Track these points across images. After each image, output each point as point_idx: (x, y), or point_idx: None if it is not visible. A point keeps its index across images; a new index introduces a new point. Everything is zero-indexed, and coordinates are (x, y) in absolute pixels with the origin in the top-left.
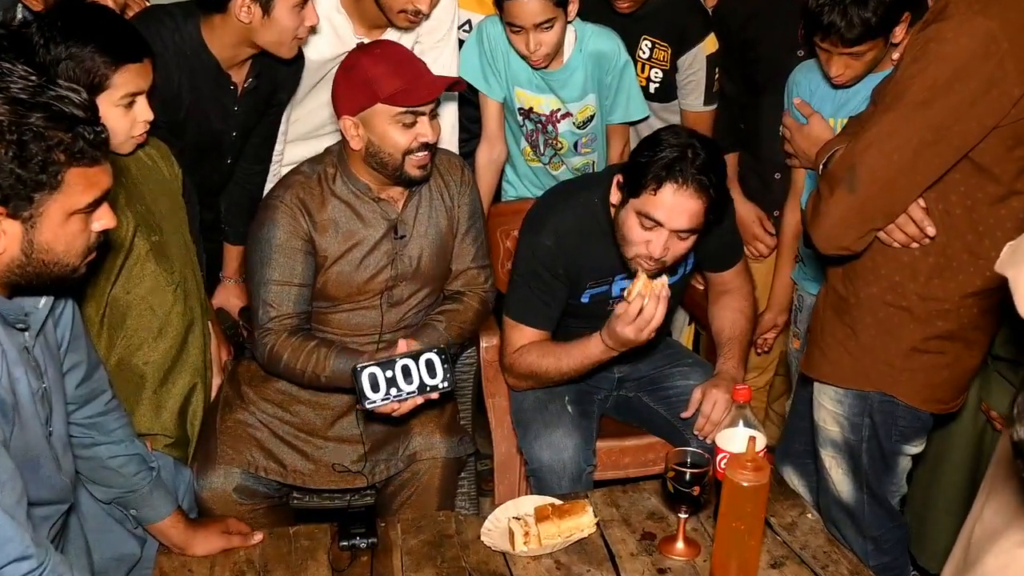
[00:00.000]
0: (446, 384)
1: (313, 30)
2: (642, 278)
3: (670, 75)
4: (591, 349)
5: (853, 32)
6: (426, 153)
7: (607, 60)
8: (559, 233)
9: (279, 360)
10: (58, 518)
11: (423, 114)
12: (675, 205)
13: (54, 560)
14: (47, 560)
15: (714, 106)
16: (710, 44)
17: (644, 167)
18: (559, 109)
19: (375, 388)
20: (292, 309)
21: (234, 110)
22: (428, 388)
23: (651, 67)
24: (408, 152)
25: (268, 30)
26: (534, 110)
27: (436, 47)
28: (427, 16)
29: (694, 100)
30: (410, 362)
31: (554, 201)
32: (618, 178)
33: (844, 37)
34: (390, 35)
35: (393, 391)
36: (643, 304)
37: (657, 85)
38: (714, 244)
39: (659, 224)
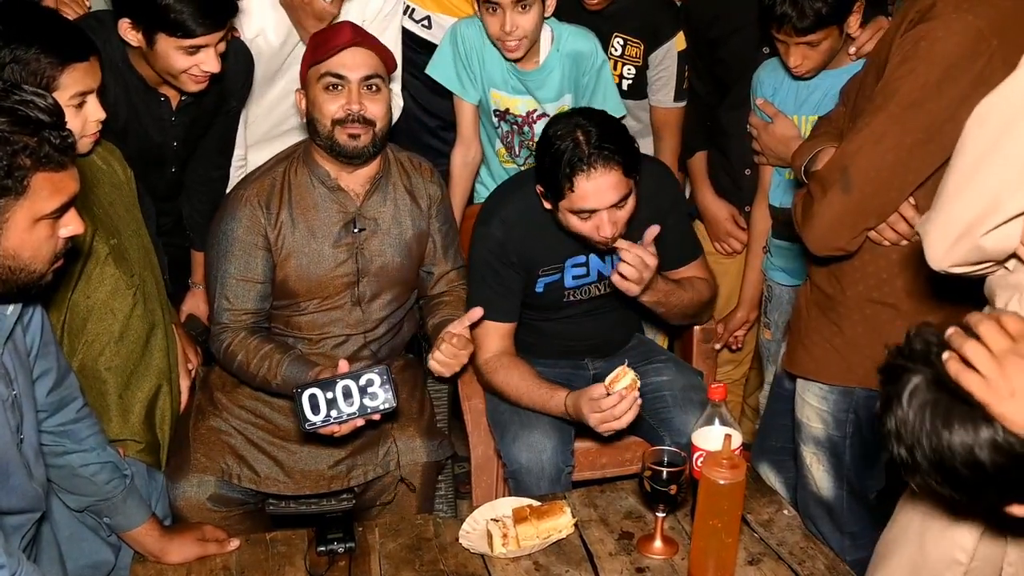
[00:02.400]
0: (387, 405)
1: (220, 76)
2: (629, 375)
3: (643, 72)
4: (551, 405)
5: (805, 21)
6: (359, 125)
7: (585, 60)
8: (506, 222)
9: (233, 359)
10: (30, 527)
11: (343, 77)
12: (596, 189)
13: (26, 569)
14: (19, 570)
15: (684, 102)
16: (680, 41)
17: (551, 172)
18: (535, 110)
19: (315, 410)
20: (249, 305)
21: (172, 122)
22: (369, 409)
23: (624, 64)
24: (337, 122)
25: (156, 61)
26: (510, 111)
27: (376, 29)
28: None
29: (664, 96)
30: (350, 383)
31: (501, 193)
32: (539, 189)
33: (796, 27)
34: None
35: (333, 412)
36: (619, 400)
37: (630, 82)
38: (665, 244)
39: (594, 211)
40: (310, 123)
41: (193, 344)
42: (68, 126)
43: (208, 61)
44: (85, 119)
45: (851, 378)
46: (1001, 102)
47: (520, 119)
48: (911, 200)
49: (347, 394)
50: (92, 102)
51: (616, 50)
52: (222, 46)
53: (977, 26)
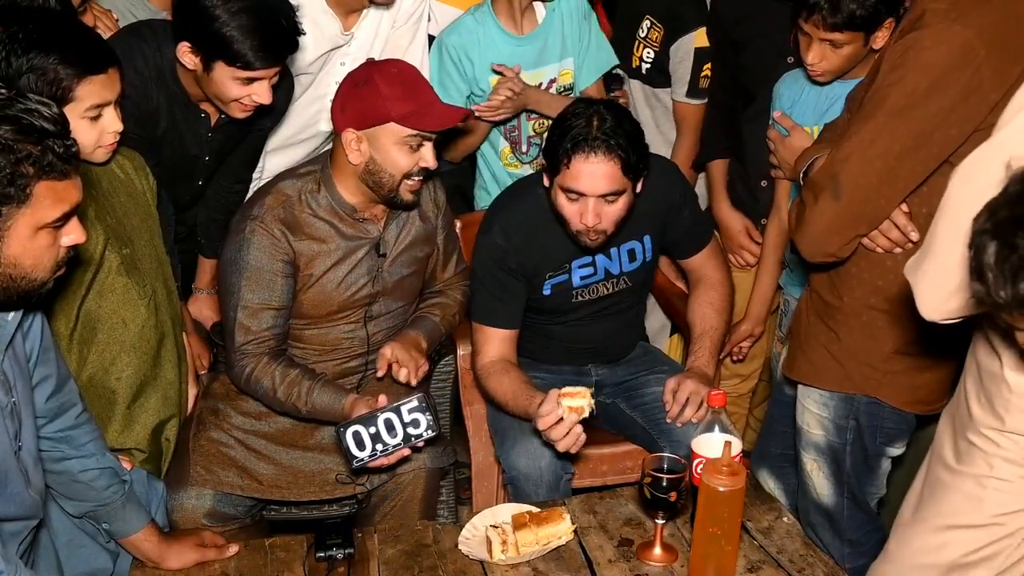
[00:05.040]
0: (430, 431)
1: (269, 108)
2: (587, 399)
3: (660, 58)
4: (531, 411)
5: (837, 16)
6: (420, 179)
7: (578, 8)
8: (507, 229)
9: (258, 385)
10: (27, 534)
11: (430, 139)
12: (589, 173)
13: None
14: None
15: (700, 101)
16: (701, 37)
17: (555, 145)
18: (540, 83)
19: (360, 446)
20: (270, 331)
21: (208, 138)
22: (413, 437)
23: (644, 47)
24: (407, 176)
25: (209, 85)
26: None
27: (406, 33)
28: None
29: (679, 90)
30: (392, 415)
31: (502, 200)
32: (541, 161)
33: (826, 19)
34: (370, 18)
35: (379, 446)
36: (564, 417)
37: (648, 65)
38: (674, 232)
39: (582, 194)
40: (371, 171)
41: (208, 348)
42: (83, 137)
43: (261, 93)
44: (102, 130)
45: (847, 384)
46: (986, 159)
47: None
48: (903, 207)
49: (390, 427)
50: (109, 113)
51: (643, 32)
52: (275, 79)
53: (965, 36)
